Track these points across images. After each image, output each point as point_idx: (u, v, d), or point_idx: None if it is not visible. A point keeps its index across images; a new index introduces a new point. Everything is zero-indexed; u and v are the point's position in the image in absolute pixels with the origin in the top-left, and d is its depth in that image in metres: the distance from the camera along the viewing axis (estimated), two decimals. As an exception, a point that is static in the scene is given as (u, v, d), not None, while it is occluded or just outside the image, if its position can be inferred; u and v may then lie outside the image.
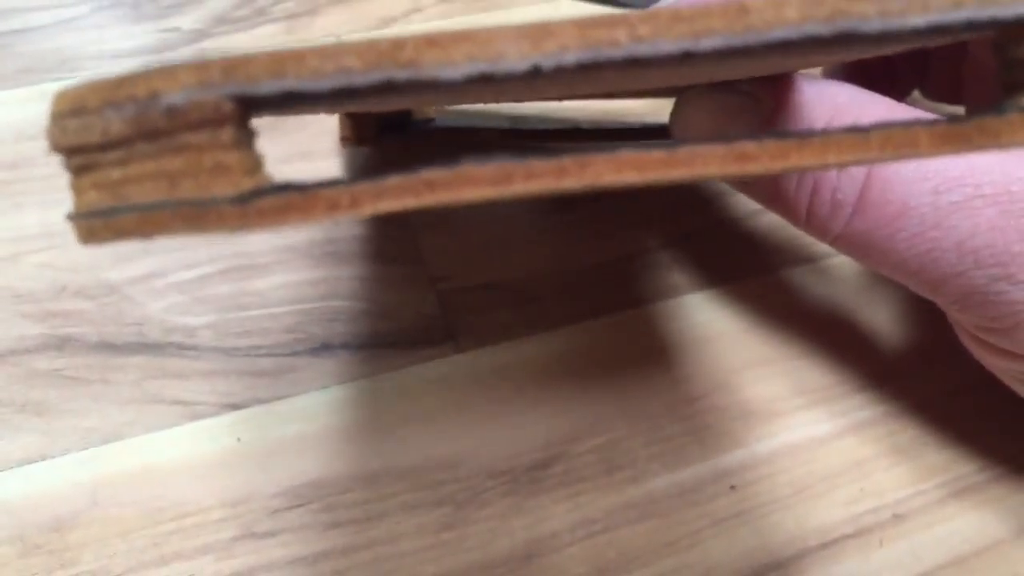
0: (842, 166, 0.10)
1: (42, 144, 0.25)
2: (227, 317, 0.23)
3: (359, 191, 0.09)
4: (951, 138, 0.10)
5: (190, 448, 0.21)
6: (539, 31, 0.09)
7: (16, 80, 0.27)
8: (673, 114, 0.23)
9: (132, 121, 0.09)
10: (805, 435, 0.23)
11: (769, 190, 0.20)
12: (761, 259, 0.26)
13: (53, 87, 0.28)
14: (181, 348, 0.23)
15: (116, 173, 0.09)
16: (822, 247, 0.26)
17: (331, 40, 0.29)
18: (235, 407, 0.22)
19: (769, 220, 0.27)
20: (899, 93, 0.26)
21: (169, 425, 0.22)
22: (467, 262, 0.25)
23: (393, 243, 0.25)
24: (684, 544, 0.22)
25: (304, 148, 0.26)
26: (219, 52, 0.28)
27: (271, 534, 0.21)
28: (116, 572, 0.20)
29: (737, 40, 0.09)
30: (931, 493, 0.23)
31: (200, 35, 0.29)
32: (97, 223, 0.10)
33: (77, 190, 0.10)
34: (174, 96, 0.09)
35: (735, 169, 0.10)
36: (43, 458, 0.21)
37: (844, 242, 0.19)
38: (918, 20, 0.09)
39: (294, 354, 0.23)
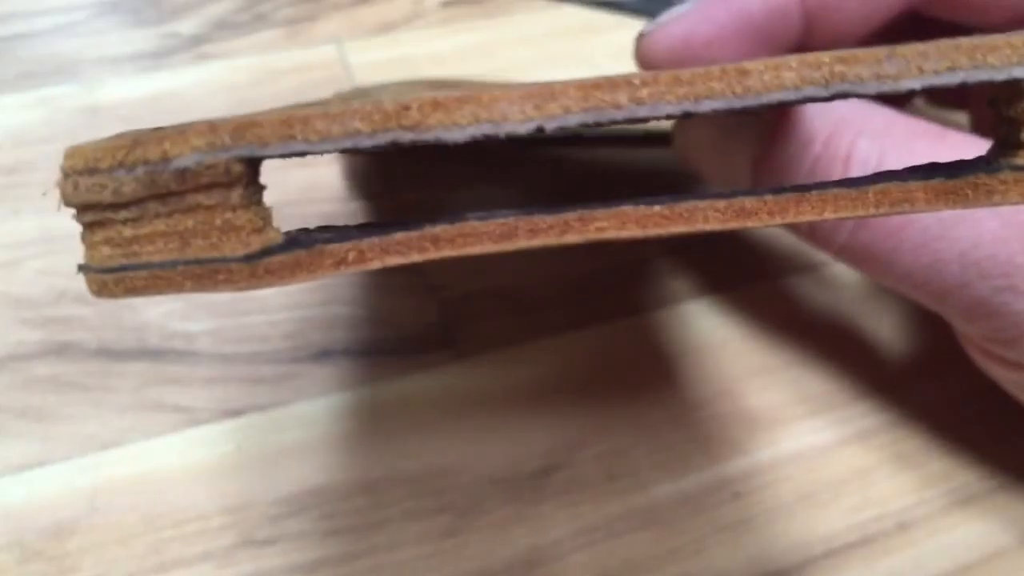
0: (840, 220, 0.10)
1: (41, 149, 0.25)
2: (226, 323, 0.23)
3: (365, 247, 0.10)
4: (946, 195, 0.10)
5: (190, 454, 0.21)
6: (542, 93, 0.09)
7: (15, 85, 0.27)
8: (675, 126, 0.23)
9: (143, 182, 0.09)
10: (808, 443, 0.23)
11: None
12: (763, 267, 0.26)
13: (53, 92, 0.28)
14: (180, 354, 0.23)
15: (128, 231, 0.10)
16: (824, 255, 0.25)
17: (331, 47, 0.29)
18: (235, 414, 0.22)
19: (771, 228, 0.27)
20: (901, 101, 0.26)
21: (168, 431, 0.22)
22: (468, 269, 0.25)
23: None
24: (687, 552, 0.21)
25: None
26: (219, 57, 0.28)
27: (271, 541, 0.20)
28: (115, 580, 0.20)
29: (736, 102, 0.10)
30: (935, 501, 0.23)
31: (200, 40, 0.29)
32: (109, 279, 0.10)
33: (89, 245, 0.10)
34: (185, 159, 0.09)
35: (735, 224, 0.10)
36: (43, 464, 0.21)
37: (848, 254, 0.19)
38: (913, 84, 0.10)
39: (294, 361, 0.23)
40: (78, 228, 0.10)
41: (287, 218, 0.24)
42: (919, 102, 0.27)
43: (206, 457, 0.21)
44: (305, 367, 0.23)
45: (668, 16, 0.20)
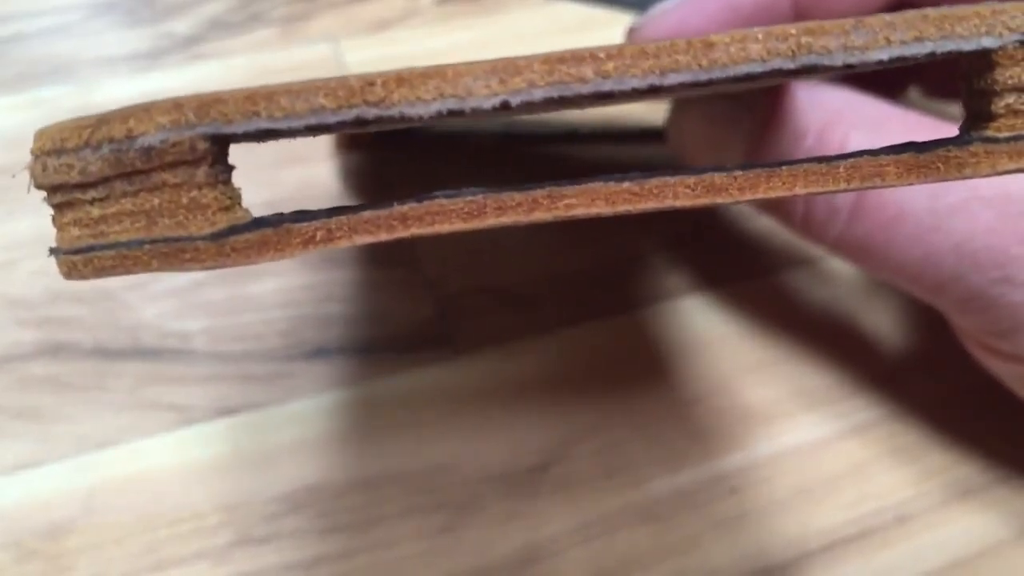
0: (812, 196, 0.10)
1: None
2: (222, 322, 0.23)
3: (333, 226, 0.10)
4: (917, 169, 0.10)
5: (185, 453, 0.21)
6: (507, 68, 0.09)
7: (10, 86, 0.27)
8: (668, 121, 0.23)
9: (109, 161, 0.09)
10: (806, 437, 0.23)
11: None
12: (759, 261, 0.26)
13: (48, 93, 0.28)
14: (176, 353, 0.23)
15: (96, 211, 0.10)
16: (819, 249, 0.25)
17: (326, 46, 0.29)
18: (230, 412, 0.22)
19: (766, 222, 0.27)
20: (894, 91, 0.26)
21: (164, 430, 0.22)
22: (464, 266, 0.25)
23: (389, 247, 0.25)
24: (684, 547, 0.21)
25: (298, 153, 0.26)
26: (214, 57, 0.28)
27: (267, 539, 0.20)
28: (111, 579, 0.20)
29: (702, 75, 0.09)
30: (933, 495, 0.23)
31: (195, 40, 0.29)
32: (78, 260, 0.10)
33: (59, 226, 0.10)
34: (149, 137, 0.09)
35: (705, 200, 0.10)
36: (38, 464, 0.21)
37: (842, 247, 0.19)
38: (881, 55, 0.10)
39: (289, 359, 0.23)
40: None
41: (282, 216, 0.24)
42: (914, 94, 0.27)
43: (202, 456, 0.21)
44: (300, 365, 0.23)
45: (658, 9, 0.20)
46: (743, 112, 0.20)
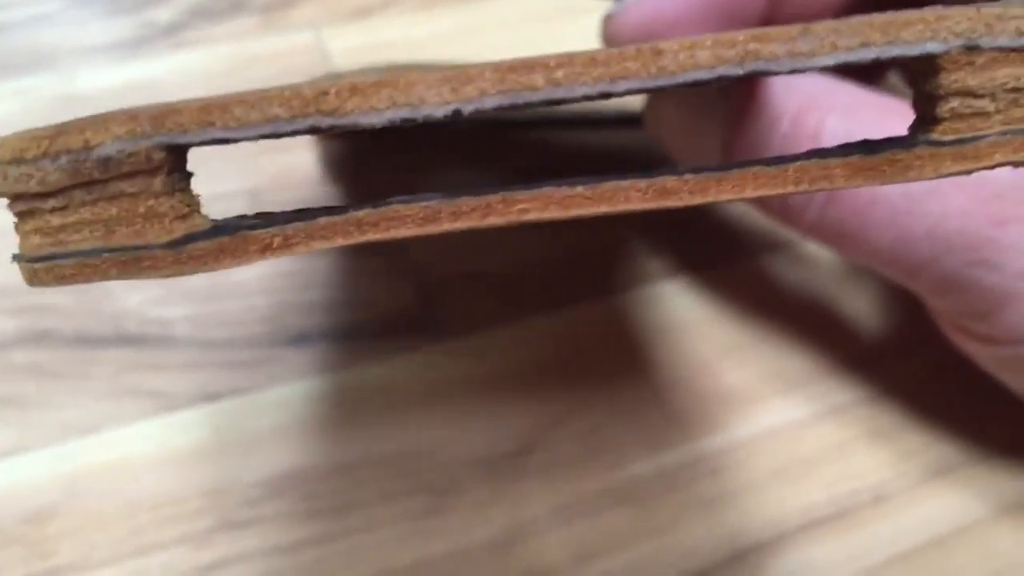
0: (762, 197, 0.10)
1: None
2: (204, 309, 0.23)
3: (290, 232, 0.10)
4: (864, 171, 0.10)
5: (167, 439, 0.21)
6: (459, 77, 0.09)
7: (-9, 76, 0.27)
8: (645, 108, 0.23)
9: (67, 171, 0.10)
10: (784, 419, 0.23)
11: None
12: (736, 246, 0.26)
13: (29, 83, 0.28)
14: (157, 340, 0.23)
15: (56, 220, 0.10)
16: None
17: (309, 33, 0.29)
18: (212, 398, 0.22)
19: (743, 207, 0.27)
20: (873, 76, 0.26)
21: (146, 417, 0.22)
22: (446, 251, 0.25)
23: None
24: (665, 527, 0.22)
25: (278, 141, 0.26)
26: (196, 45, 0.28)
27: (248, 524, 0.21)
28: (94, 563, 0.20)
29: (651, 82, 0.10)
30: (910, 475, 0.23)
31: (177, 28, 0.29)
32: (39, 267, 0.10)
33: (22, 234, 0.10)
34: (106, 148, 0.09)
35: (656, 204, 0.10)
36: (21, 451, 0.21)
37: (818, 232, 0.19)
38: (827, 60, 0.10)
39: (271, 345, 0.23)
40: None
41: (262, 204, 0.24)
42: (893, 79, 0.27)
43: (183, 442, 0.21)
44: (282, 351, 0.23)
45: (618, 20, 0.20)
46: (719, 99, 0.20)
